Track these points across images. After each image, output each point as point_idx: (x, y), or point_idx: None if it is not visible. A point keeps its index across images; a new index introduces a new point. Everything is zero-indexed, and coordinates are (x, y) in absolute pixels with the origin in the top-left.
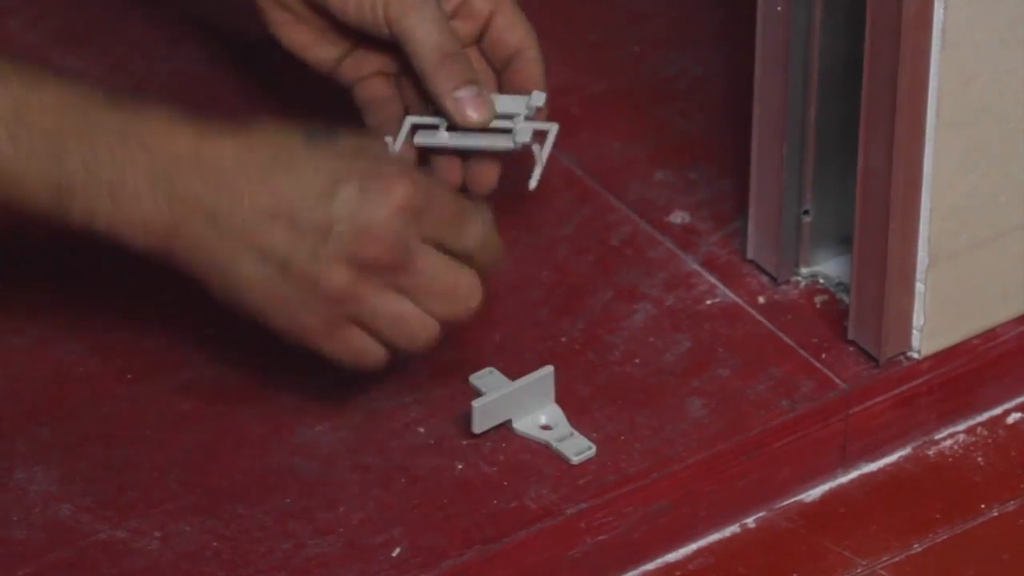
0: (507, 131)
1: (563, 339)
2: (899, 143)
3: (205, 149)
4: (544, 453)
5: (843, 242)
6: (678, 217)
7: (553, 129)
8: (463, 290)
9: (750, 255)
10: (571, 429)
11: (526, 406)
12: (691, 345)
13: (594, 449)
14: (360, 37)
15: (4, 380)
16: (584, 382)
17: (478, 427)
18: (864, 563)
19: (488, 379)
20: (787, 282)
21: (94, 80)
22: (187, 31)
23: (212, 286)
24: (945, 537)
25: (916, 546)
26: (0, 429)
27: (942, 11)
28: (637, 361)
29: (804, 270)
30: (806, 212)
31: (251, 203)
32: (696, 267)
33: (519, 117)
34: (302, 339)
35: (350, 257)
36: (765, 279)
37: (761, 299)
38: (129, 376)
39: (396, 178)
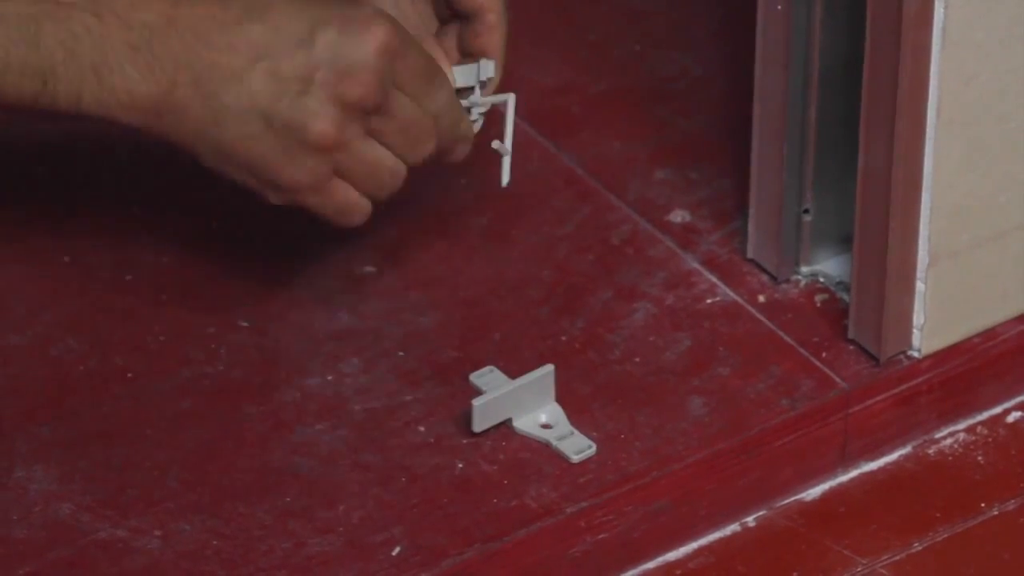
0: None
1: (563, 338)
2: (899, 142)
3: (180, 11)
4: (544, 452)
5: (843, 241)
6: (678, 216)
7: (509, 101)
8: (426, 133)
9: (750, 254)
10: (571, 428)
11: (526, 405)
12: (691, 344)
13: (594, 448)
14: None
15: (4, 379)
16: (584, 381)
17: (478, 426)
18: (864, 562)
19: (488, 378)
20: (787, 281)
21: None
22: None
23: (200, 154)
24: (945, 536)
25: (916, 545)
26: (0, 428)
27: (942, 10)
28: (637, 360)
29: (804, 269)
30: (806, 211)
31: (230, 59)
32: (696, 266)
33: (476, 93)
34: (290, 196)
35: (334, 100)
36: (765, 278)
37: (761, 298)
38: (129, 375)
39: (374, 20)
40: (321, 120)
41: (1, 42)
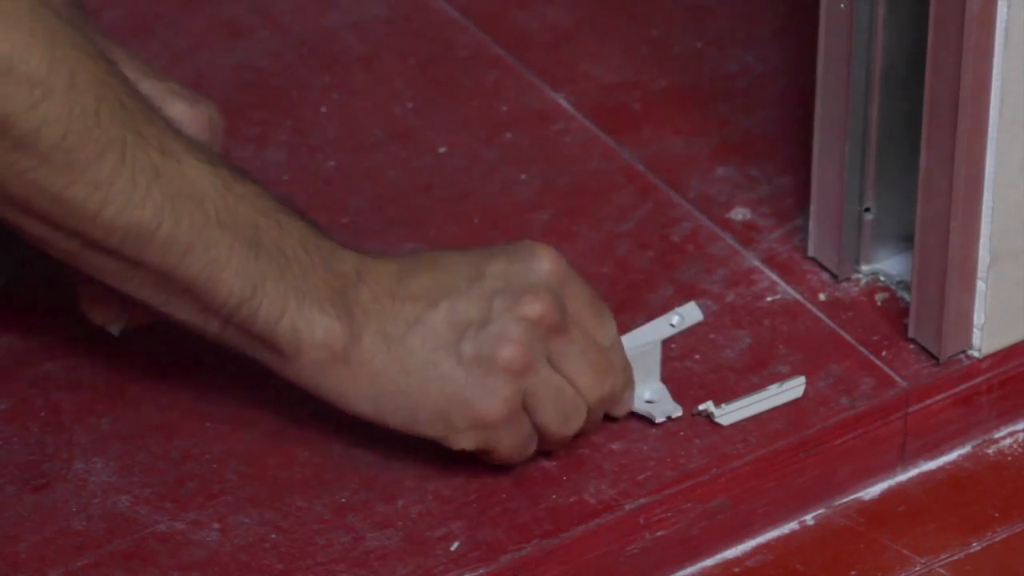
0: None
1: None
2: (961, 142)
3: (366, 266)
4: (604, 448)
5: (904, 240)
6: (739, 213)
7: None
8: (605, 364)
9: (811, 252)
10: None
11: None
12: (751, 342)
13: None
14: None
15: (64, 370)
16: None
17: None
18: (923, 561)
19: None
20: (848, 279)
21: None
22: (249, 24)
23: (383, 411)
24: (1004, 536)
25: (975, 544)
26: (60, 420)
27: (1005, 9)
28: (697, 357)
29: (865, 267)
30: (867, 209)
31: (412, 307)
32: (756, 264)
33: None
34: (483, 434)
35: (516, 322)
36: (826, 276)
37: (822, 296)
38: (190, 367)
39: (539, 246)
40: (509, 343)
41: (228, 239)
